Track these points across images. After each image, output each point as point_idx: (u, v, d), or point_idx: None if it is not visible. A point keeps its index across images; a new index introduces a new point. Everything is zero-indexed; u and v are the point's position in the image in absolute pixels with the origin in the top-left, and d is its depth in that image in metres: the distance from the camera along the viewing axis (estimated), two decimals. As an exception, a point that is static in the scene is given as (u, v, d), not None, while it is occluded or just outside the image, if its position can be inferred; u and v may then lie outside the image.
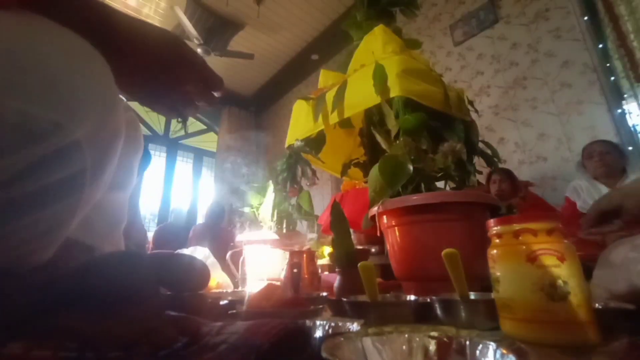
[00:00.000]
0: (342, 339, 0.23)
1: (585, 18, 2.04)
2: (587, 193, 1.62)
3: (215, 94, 0.39)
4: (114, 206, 0.39)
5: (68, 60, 0.23)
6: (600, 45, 2.00)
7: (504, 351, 0.19)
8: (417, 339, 0.24)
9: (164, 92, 0.36)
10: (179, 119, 0.41)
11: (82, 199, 0.25)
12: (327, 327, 0.28)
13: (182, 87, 0.36)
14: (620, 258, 0.41)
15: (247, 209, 1.17)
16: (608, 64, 1.97)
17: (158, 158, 4.33)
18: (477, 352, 0.21)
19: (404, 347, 0.24)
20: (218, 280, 0.92)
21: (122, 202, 0.40)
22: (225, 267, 1.13)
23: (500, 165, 1.33)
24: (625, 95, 1.90)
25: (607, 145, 1.60)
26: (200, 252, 0.94)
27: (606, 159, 1.57)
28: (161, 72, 0.34)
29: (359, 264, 0.48)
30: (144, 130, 4.24)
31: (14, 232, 0.22)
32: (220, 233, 2.66)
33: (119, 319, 0.23)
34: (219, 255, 1.14)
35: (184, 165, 4.58)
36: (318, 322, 0.29)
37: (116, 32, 0.30)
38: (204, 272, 0.29)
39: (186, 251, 0.96)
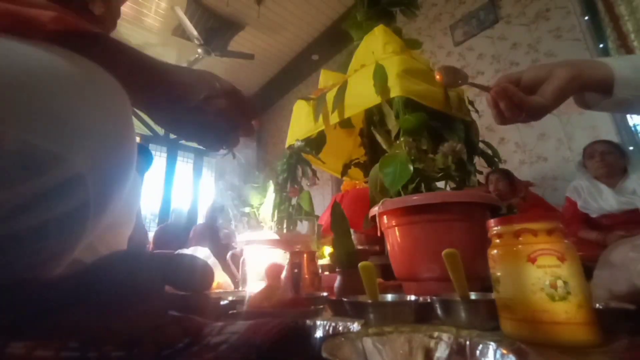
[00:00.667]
0: (342, 339, 0.23)
1: (586, 18, 2.04)
2: (588, 193, 1.62)
3: (252, 122, 0.41)
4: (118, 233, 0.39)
5: (75, 90, 0.23)
6: (601, 45, 2.00)
7: (504, 351, 0.19)
8: (417, 339, 0.24)
9: (205, 123, 0.36)
10: (226, 148, 0.42)
11: (85, 230, 0.25)
12: (327, 327, 0.28)
13: (220, 116, 0.36)
14: (621, 258, 0.41)
15: (247, 209, 1.17)
16: (608, 64, 1.96)
17: (159, 158, 4.34)
18: (477, 352, 0.21)
19: (404, 347, 0.24)
20: (218, 280, 0.92)
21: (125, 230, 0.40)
22: (226, 267, 1.13)
23: (501, 166, 1.33)
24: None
25: (608, 145, 1.60)
26: (201, 253, 0.94)
27: (608, 158, 1.57)
28: (198, 104, 0.34)
29: (359, 264, 0.48)
30: (145, 131, 4.25)
31: (16, 260, 0.22)
32: (220, 233, 2.66)
33: (122, 317, 0.23)
34: (220, 255, 1.14)
35: (184, 165, 4.58)
36: (318, 322, 0.29)
37: (148, 71, 0.30)
38: (208, 271, 0.29)
39: (186, 251, 0.96)
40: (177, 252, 0.96)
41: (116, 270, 0.26)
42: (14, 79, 0.20)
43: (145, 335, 0.23)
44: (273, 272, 0.69)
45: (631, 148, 1.77)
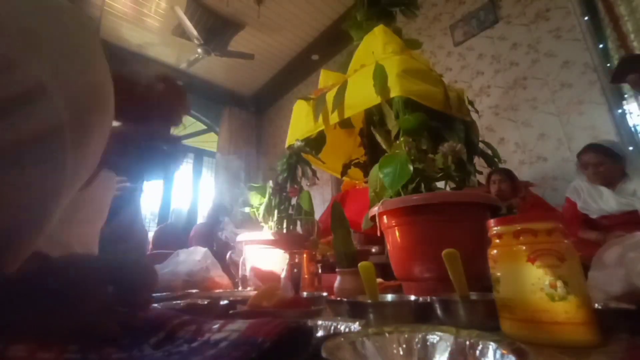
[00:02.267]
0: (342, 339, 0.23)
1: (586, 18, 2.04)
2: (588, 194, 1.62)
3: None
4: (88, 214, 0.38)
5: (29, 2, 0.21)
6: (601, 45, 2.00)
7: (504, 351, 0.19)
8: (417, 339, 0.24)
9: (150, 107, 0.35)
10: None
11: (67, 164, 0.23)
12: (328, 327, 0.28)
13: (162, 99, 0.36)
14: (614, 258, 0.42)
15: (247, 209, 1.17)
16: (609, 64, 1.96)
17: (158, 158, 4.33)
18: (477, 352, 0.21)
19: (404, 347, 0.24)
20: (217, 280, 0.92)
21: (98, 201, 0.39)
22: (226, 267, 1.13)
23: (501, 166, 1.33)
24: (625, 96, 1.90)
25: (599, 155, 1.54)
26: (200, 253, 0.94)
27: (600, 170, 1.53)
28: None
29: (359, 264, 0.48)
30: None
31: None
32: (220, 233, 2.66)
33: (63, 313, 0.24)
34: (220, 255, 1.14)
35: (184, 165, 4.58)
36: (319, 322, 0.29)
37: None
38: (150, 272, 0.30)
39: (185, 251, 0.96)
40: (176, 251, 0.96)
41: (60, 272, 0.26)
42: None
43: (85, 328, 0.23)
44: (264, 276, 0.68)
45: (631, 148, 1.77)
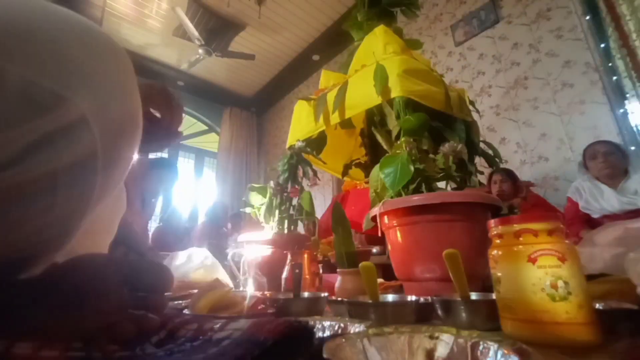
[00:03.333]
0: (343, 339, 0.23)
1: (587, 18, 2.04)
2: (590, 193, 1.62)
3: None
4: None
5: (75, 37, 0.23)
6: (602, 45, 2.00)
7: (506, 352, 0.19)
8: (418, 339, 0.24)
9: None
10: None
11: (95, 188, 0.24)
12: (329, 328, 0.28)
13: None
14: (609, 239, 0.42)
15: (248, 209, 1.17)
16: (610, 64, 1.96)
17: (159, 158, 4.34)
18: (478, 352, 0.21)
19: (405, 347, 0.24)
20: (219, 279, 0.92)
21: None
22: (227, 267, 1.13)
23: (502, 166, 1.33)
24: (627, 95, 1.89)
25: (610, 145, 1.59)
26: (199, 253, 0.94)
27: (611, 159, 1.56)
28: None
29: (360, 265, 0.48)
30: (146, 131, 4.25)
31: (27, 219, 0.21)
32: (222, 233, 2.66)
33: (79, 314, 0.24)
34: (222, 255, 1.14)
35: (185, 164, 4.59)
36: (319, 323, 0.29)
37: None
38: (166, 275, 0.30)
39: (185, 252, 0.96)
40: (170, 255, 0.96)
41: (77, 272, 0.26)
42: (16, 20, 0.20)
43: (101, 330, 0.24)
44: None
45: (633, 148, 1.77)
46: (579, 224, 1.60)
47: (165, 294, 0.31)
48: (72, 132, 0.21)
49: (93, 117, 0.22)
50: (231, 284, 0.96)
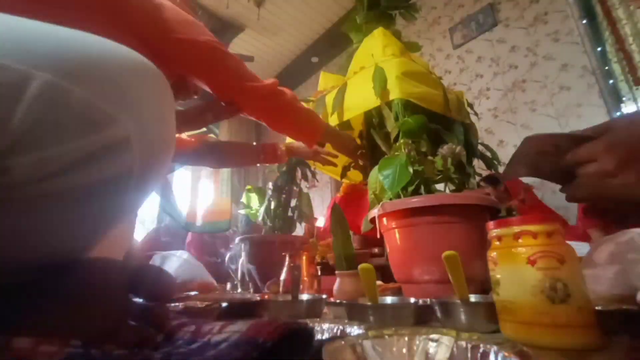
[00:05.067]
0: (342, 342, 0.23)
1: (584, 21, 2.05)
2: None
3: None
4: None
5: (130, 62, 0.26)
6: (599, 49, 2.01)
7: (506, 354, 0.19)
8: (418, 342, 0.24)
9: None
10: None
11: (126, 202, 0.26)
12: (329, 330, 0.28)
13: None
14: (605, 257, 0.42)
15: (246, 211, 1.17)
16: (607, 67, 1.97)
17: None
18: (479, 355, 0.21)
19: (404, 350, 0.24)
20: (203, 281, 0.91)
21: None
22: (225, 269, 1.12)
23: (500, 169, 1.33)
24: (624, 99, 1.91)
25: None
26: (177, 258, 0.93)
27: None
28: None
29: (359, 267, 0.47)
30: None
31: (63, 225, 0.23)
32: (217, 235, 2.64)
33: (83, 317, 0.25)
34: (216, 256, 1.13)
35: (182, 166, 4.57)
36: (318, 325, 0.29)
37: None
38: (170, 284, 0.31)
39: (161, 255, 0.94)
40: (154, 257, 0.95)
41: (84, 275, 0.27)
42: (84, 52, 0.24)
43: (103, 334, 0.25)
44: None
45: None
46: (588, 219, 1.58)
47: (168, 301, 0.31)
48: (116, 150, 0.24)
49: (135, 138, 0.24)
50: (215, 283, 0.96)
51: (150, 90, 0.27)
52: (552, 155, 0.45)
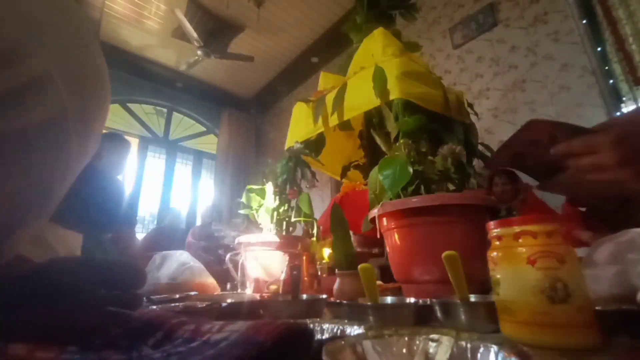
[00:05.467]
0: (342, 342, 0.23)
1: (584, 21, 2.05)
2: None
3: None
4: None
5: None
6: (599, 49, 2.01)
7: (506, 354, 0.19)
8: (418, 342, 0.24)
9: None
10: None
11: (72, 150, 0.24)
12: (329, 330, 0.28)
13: None
14: (605, 257, 0.42)
15: (246, 211, 1.16)
16: (607, 67, 1.97)
17: (158, 160, 4.33)
18: (479, 355, 0.21)
19: (404, 350, 0.24)
20: (204, 282, 0.91)
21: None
22: (224, 270, 1.12)
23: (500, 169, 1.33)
24: (624, 99, 1.91)
25: None
26: (178, 256, 0.93)
27: None
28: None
29: (359, 267, 0.47)
30: (143, 132, 4.25)
31: (2, 180, 0.21)
32: (215, 235, 2.64)
33: (57, 317, 0.24)
34: (213, 257, 1.13)
35: (183, 167, 4.57)
36: (324, 325, 0.29)
37: None
38: (139, 273, 0.32)
39: (162, 255, 0.94)
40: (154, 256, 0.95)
41: (53, 272, 0.27)
42: None
43: (77, 328, 0.25)
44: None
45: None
46: (573, 221, 1.60)
47: (138, 290, 0.32)
48: (37, 88, 0.21)
49: (57, 72, 0.22)
50: (216, 286, 0.96)
51: (61, 16, 0.24)
52: (543, 146, 0.45)
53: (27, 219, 0.24)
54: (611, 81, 1.95)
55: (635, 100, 1.86)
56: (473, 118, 1.00)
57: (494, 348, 0.20)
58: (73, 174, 0.26)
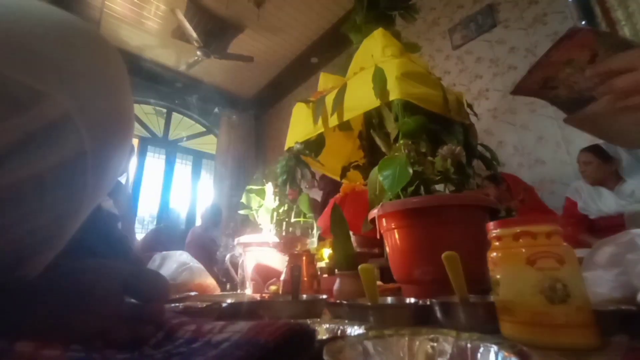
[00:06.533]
0: (343, 342, 0.23)
1: (583, 23, 2.06)
2: (588, 194, 1.64)
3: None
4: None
5: (55, 30, 0.22)
6: (598, 50, 2.02)
7: (506, 354, 0.19)
8: (418, 342, 0.24)
9: None
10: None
11: (87, 188, 0.24)
12: (335, 330, 0.28)
13: None
14: (606, 259, 0.42)
15: (246, 211, 1.17)
16: (605, 68, 1.98)
17: (157, 160, 4.33)
18: (479, 355, 0.21)
19: (405, 350, 0.24)
20: (203, 283, 0.91)
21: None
22: (224, 270, 1.12)
23: (500, 169, 1.33)
24: (622, 99, 1.91)
25: (588, 154, 1.62)
26: (178, 257, 0.93)
27: (587, 170, 1.61)
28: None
29: (359, 267, 0.48)
30: (143, 132, 4.25)
31: (15, 222, 0.21)
32: (214, 237, 2.63)
33: (77, 317, 0.24)
34: (212, 258, 1.13)
35: (183, 167, 4.57)
36: (325, 325, 0.29)
37: None
38: (164, 285, 0.31)
39: (161, 255, 0.94)
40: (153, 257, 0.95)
41: (78, 276, 0.26)
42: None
43: (96, 333, 0.24)
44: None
45: (625, 151, 1.78)
46: (577, 224, 1.62)
47: (163, 303, 0.31)
48: (56, 131, 0.21)
49: (78, 115, 0.21)
50: (216, 286, 0.96)
51: (87, 55, 0.24)
52: (580, 67, 0.37)
53: (41, 252, 0.24)
54: None
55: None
56: (472, 119, 1.00)
57: (493, 348, 0.20)
58: (87, 210, 0.25)
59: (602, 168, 1.58)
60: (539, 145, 2.13)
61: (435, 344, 0.23)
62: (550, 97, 0.43)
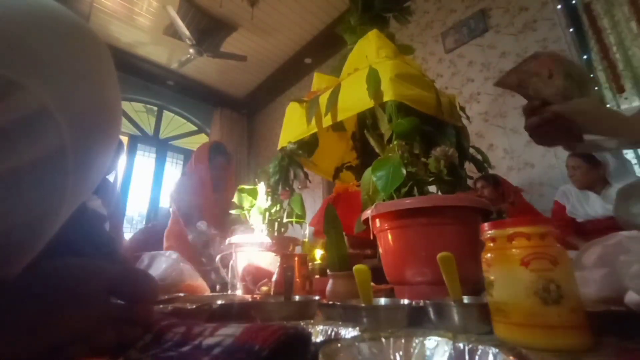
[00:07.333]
0: (339, 344, 0.23)
1: (571, 30, 2.11)
2: (576, 198, 1.67)
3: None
4: None
5: (33, 18, 0.21)
6: (585, 57, 2.07)
7: (505, 357, 0.19)
8: (414, 344, 0.24)
9: None
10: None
11: (67, 187, 0.22)
12: (329, 332, 0.27)
13: None
14: (593, 260, 0.43)
15: (237, 211, 1.15)
16: (592, 75, 2.03)
17: (147, 158, 4.26)
18: (477, 357, 0.21)
19: (401, 352, 0.24)
20: (192, 284, 0.89)
21: None
22: (215, 270, 1.11)
23: (490, 171, 1.35)
24: (608, 106, 1.96)
25: (577, 159, 1.66)
26: (167, 257, 0.90)
27: (576, 174, 1.64)
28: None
29: (353, 268, 0.47)
30: (133, 130, 4.17)
31: None
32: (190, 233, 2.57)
33: (59, 319, 0.23)
34: (194, 257, 1.10)
35: (173, 166, 4.50)
36: (318, 327, 0.28)
37: None
38: (155, 286, 0.29)
39: (149, 255, 0.92)
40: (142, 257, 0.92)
41: (61, 276, 0.25)
42: None
43: (79, 335, 0.23)
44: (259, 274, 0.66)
45: (612, 157, 1.83)
46: (565, 227, 1.65)
47: (152, 304, 0.30)
48: (32, 125, 0.19)
49: (57, 108, 0.20)
50: (206, 287, 0.94)
51: (67, 45, 0.22)
52: (542, 80, 0.53)
53: (19, 255, 0.23)
54: (596, 88, 2.00)
55: (619, 107, 1.92)
56: (464, 122, 1.01)
57: (492, 350, 0.20)
58: (68, 210, 0.24)
59: (590, 173, 1.61)
60: (528, 148, 2.17)
61: (432, 346, 0.23)
62: (525, 95, 0.59)
